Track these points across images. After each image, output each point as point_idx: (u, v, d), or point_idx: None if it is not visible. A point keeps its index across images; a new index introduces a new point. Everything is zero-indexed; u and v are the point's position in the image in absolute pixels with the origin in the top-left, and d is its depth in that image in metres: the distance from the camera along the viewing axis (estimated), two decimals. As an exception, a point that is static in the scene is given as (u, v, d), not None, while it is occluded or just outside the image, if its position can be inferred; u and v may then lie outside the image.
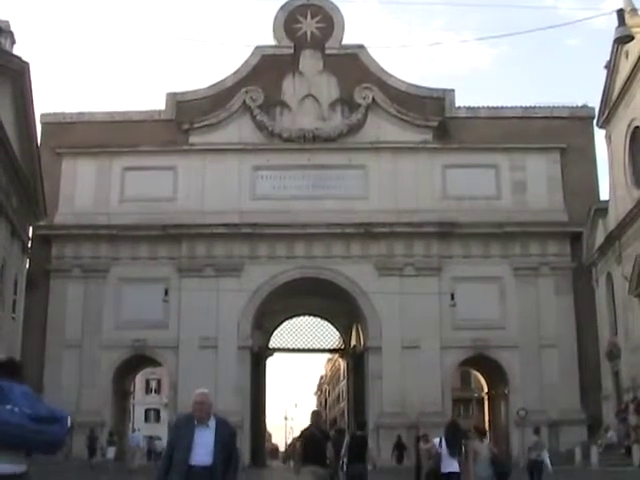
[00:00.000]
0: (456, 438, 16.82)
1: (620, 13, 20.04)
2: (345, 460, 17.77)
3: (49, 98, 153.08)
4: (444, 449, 16.50)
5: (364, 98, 40.98)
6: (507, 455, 20.87)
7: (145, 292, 38.52)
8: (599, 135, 39.77)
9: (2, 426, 5.57)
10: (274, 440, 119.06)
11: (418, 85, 42.73)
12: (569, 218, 39.40)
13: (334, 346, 48.80)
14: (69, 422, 5.75)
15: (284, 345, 46.02)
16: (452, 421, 18.64)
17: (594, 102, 38.19)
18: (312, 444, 14.90)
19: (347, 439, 18.06)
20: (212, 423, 8.57)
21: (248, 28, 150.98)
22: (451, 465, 16.09)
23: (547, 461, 22.28)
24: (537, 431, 24.94)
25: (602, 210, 37.52)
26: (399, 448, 35.12)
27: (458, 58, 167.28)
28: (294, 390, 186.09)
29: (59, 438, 5.80)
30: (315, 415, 16.52)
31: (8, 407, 5.66)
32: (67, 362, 37.54)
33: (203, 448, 8.36)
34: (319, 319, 46.51)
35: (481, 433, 17.47)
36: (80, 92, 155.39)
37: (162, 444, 46.34)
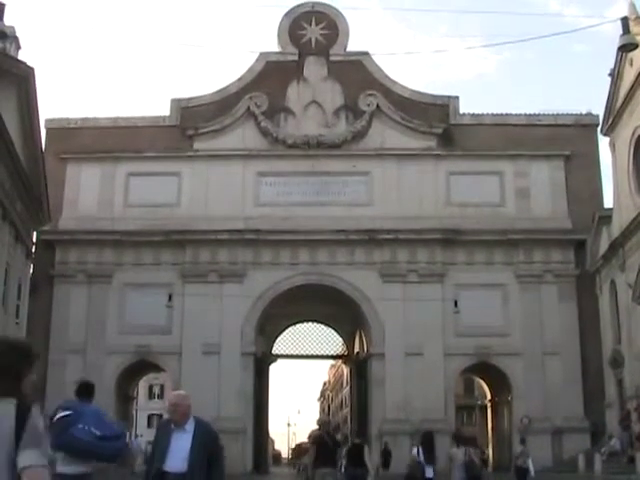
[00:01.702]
0: (431, 447, 19.09)
1: (624, 21, 20.11)
2: (344, 463, 19.72)
3: (54, 104, 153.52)
4: (421, 457, 18.62)
5: (368, 105, 41.00)
6: (481, 462, 22.72)
7: (149, 297, 38.49)
8: (603, 142, 39.79)
9: (75, 442, 7.27)
10: (277, 446, 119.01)
11: (422, 92, 42.74)
12: (573, 225, 39.37)
13: (337, 352, 48.82)
14: (127, 437, 6.86)
15: (287, 351, 45.99)
16: (427, 432, 20.85)
17: (600, 107, 38.23)
18: (324, 450, 16.15)
19: (347, 446, 20.08)
20: (190, 426, 8.31)
21: (253, 34, 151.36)
22: (427, 471, 18.24)
23: (531, 467, 25.20)
24: (523, 441, 27.69)
25: (606, 217, 37.48)
26: (385, 455, 35.11)
27: (463, 64, 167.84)
28: (297, 396, 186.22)
29: (119, 452, 7.75)
30: (325, 424, 18.41)
31: (80, 426, 7.27)
32: (70, 367, 37.26)
33: (178, 454, 8.09)
34: (322, 325, 46.46)
35: (458, 440, 19.35)
36: (85, 98, 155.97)
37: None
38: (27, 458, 3.85)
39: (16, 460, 3.85)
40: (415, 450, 19.53)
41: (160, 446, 8.33)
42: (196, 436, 8.20)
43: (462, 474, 18.20)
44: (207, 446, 8.21)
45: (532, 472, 25.23)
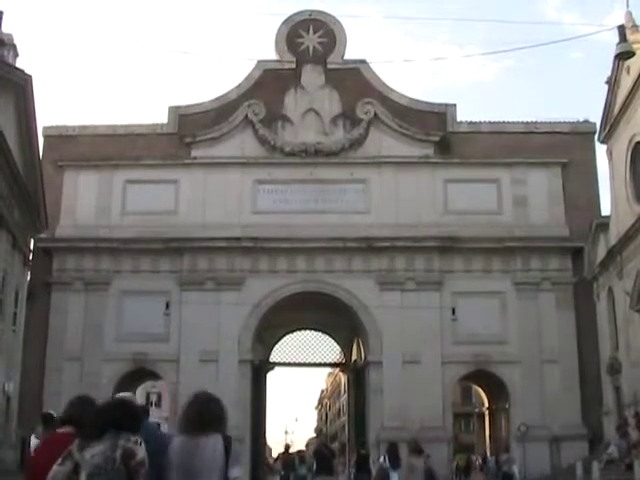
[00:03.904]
0: (396, 455, 23.29)
1: (621, 29, 20.18)
2: (353, 471, 24.88)
3: (52, 111, 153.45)
4: (387, 464, 22.81)
5: (366, 113, 41.04)
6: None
7: (146, 305, 38.49)
8: (601, 150, 39.81)
9: None
10: (274, 454, 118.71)
11: (420, 100, 42.79)
12: (570, 233, 39.39)
13: (335, 360, 48.72)
14: None
15: (285, 359, 45.93)
16: (392, 442, 25.42)
17: (597, 114, 38.29)
18: (322, 460, 20.23)
19: (355, 456, 25.69)
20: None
21: (251, 42, 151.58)
22: (392, 476, 22.18)
23: (516, 473, 28.13)
24: (507, 449, 30.94)
25: (603, 225, 37.53)
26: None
27: (462, 72, 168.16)
28: (295, 404, 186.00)
29: None
30: (322, 439, 22.66)
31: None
32: (68, 374, 37.38)
33: None
34: (320, 333, 46.41)
35: (417, 451, 22.02)
36: (83, 105, 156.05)
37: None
38: (235, 471, 6.57)
39: (227, 473, 6.46)
40: (382, 458, 23.75)
41: None
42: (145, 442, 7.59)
43: None
44: (157, 455, 6.82)
45: (517, 477, 27.70)
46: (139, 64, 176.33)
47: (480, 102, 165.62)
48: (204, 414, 6.55)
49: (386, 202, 39.86)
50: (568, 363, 37.86)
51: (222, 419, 6.70)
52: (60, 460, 5.62)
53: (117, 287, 39.28)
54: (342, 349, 47.30)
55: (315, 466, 26.28)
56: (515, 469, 28.93)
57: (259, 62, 42.16)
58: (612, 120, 36.27)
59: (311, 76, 41.84)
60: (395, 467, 22.94)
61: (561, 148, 40.49)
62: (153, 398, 77.38)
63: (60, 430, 6.89)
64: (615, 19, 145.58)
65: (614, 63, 34.05)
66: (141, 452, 5.54)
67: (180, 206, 40.20)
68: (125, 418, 5.65)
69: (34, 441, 16.22)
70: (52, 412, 12.11)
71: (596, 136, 39.40)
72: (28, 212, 36.00)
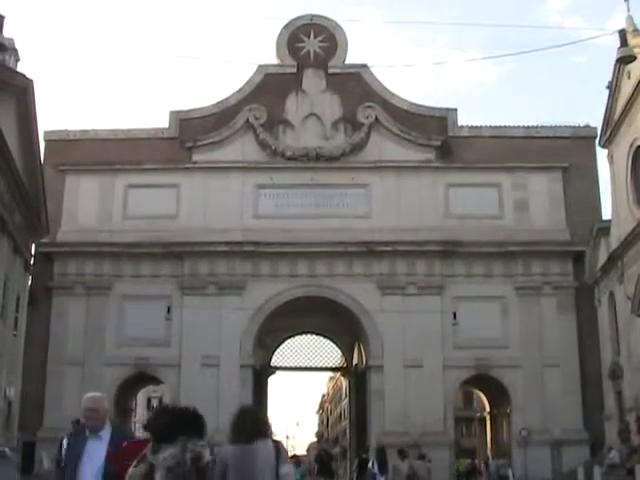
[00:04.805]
0: (383, 460, 24.78)
1: (622, 33, 20.19)
2: (355, 475, 28.24)
3: (53, 115, 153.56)
4: (375, 468, 24.33)
5: (367, 117, 41.05)
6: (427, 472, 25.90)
7: (147, 310, 38.52)
8: (601, 154, 39.80)
9: None
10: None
11: (420, 104, 42.78)
12: (571, 237, 39.40)
13: (336, 364, 48.69)
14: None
15: (286, 363, 45.89)
16: (380, 447, 26.98)
17: (598, 118, 38.28)
18: (322, 464, 22.96)
19: (357, 461, 28.75)
20: (106, 433, 7.64)
21: (251, 47, 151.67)
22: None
23: (511, 477, 29.83)
24: (503, 455, 32.40)
25: (604, 229, 37.47)
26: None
27: (463, 75, 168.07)
28: (296, 408, 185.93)
29: None
30: (322, 445, 25.73)
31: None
32: (69, 379, 37.31)
33: (92, 463, 7.41)
34: (321, 337, 46.38)
35: (402, 455, 23.85)
36: (84, 110, 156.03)
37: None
38: (285, 468, 7.65)
39: (279, 471, 7.52)
40: (370, 463, 25.63)
41: (71, 457, 7.64)
42: (112, 444, 7.46)
43: None
44: None
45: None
46: (140, 69, 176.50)
47: (481, 106, 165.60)
48: (253, 424, 7.74)
49: (387, 206, 39.86)
50: (569, 367, 37.84)
51: (268, 425, 8.09)
52: (135, 462, 6.21)
53: (118, 291, 39.25)
54: (343, 353, 47.28)
55: (316, 469, 28.63)
56: (510, 472, 30.26)
57: (260, 66, 42.26)
58: (613, 124, 36.26)
59: (312, 80, 41.86)
60: (382, 472, 24.32)
61: (562, 152, 40.48)
62: (154, 402, 77.46)
63: (140, 436, 7.75)
64: (616, 23, 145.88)
65: (615, 68, 34.06)
66: (207, 455, 6.18)
67: (181, 210, 40.20)
68: (193, 425, 6.25)
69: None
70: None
71: (597, 140, 39.37)
72: (29, 217, 35.98)
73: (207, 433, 6.37)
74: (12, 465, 20.05)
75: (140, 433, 16.90)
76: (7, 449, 21.53)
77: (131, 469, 6.19)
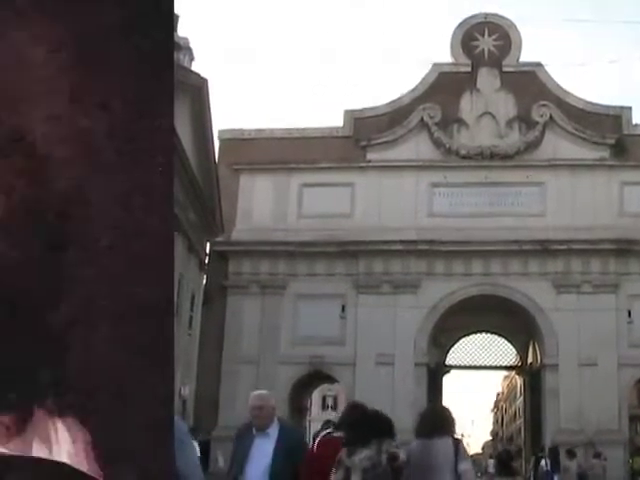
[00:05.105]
0: (556, 459, 27.29)
1: None
2: (532, 473, 28.18)
3: (226, 114, 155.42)
4: (548, 467, 26.88)
5: (541, 116, 40.44)
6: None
7: (322, 308, 38.53)
8: None
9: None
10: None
11: (595, 102, 41.91)
12: None
13: (510, 363, 47.88)
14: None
15: (460, 362, 45.36)
16: (553, 447, 28.10)
17: None
18: (501, 464, 23.75)
19: (533, 459, 29.28)
20: (274, 431, 7.60)
21: (424, 45, 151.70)
22: None
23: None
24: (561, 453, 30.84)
25: None
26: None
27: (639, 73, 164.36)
28: (471, 407, 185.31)
29: None
30: (502, 445, 26.98)
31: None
32: (244, 378, 37.41)
33: (259, 461, 7.38)
34: (496, 336, 45.63)
35: (571, 454, 24.91)
36: (256, 108, 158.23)
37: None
38: (463, 465, 7.60)
39: (458, 467, 7.44)
40: (543, 461, 27.64)
41: (239, 454, 7.69)
42: (280, 442, 7.44)
43: None
44: (293, 454, 7.33)
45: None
46: (313, 68, 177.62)
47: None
48: (437, 421, 8.16)
49: (562, 205, 39.13)
50: None
51: (449, 423, 8.31)
52: (334, 469, 6.69)
53: (293, 290, 39.47)
54: (518, 352, 46.37)
55: (496, 470, 29.35)
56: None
57: (434, 65, 42.16)
58: None
59: (487, 79, 41.46)
60: (555, 470, 25.51)
61: None
62: (329, 401, 78.05)
63: (336, 434, 8.19)
64: None
65: None
66: (402, 454, 6.75)
67: (356, 209, 40.25)
68: (384, 426, 6.80)
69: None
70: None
71: None
72: (204, 216, 36.63)
73: (396, 434, 6.68)
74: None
75: (315, 431, 17.01)
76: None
77: (332, 476, 6.71)
